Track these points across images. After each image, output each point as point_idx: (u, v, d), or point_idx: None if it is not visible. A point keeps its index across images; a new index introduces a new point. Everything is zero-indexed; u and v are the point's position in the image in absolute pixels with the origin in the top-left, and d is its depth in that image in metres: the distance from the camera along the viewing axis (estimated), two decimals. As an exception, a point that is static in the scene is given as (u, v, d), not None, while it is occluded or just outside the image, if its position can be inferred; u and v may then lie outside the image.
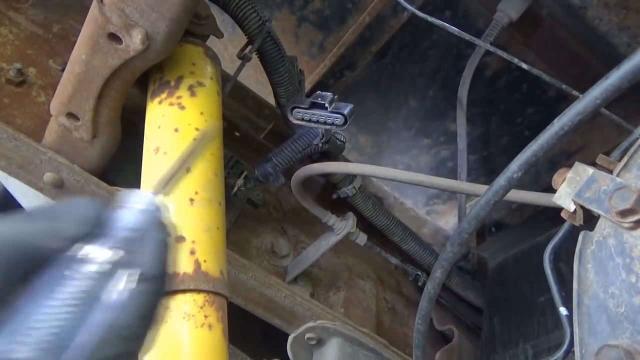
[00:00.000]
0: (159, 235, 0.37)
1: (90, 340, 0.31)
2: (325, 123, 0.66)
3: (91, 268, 0.33)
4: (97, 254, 0.33)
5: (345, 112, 0.66)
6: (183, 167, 0.45)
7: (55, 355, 0.30)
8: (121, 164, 0.84)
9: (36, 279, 0.32)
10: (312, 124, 0.67)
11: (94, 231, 0.34)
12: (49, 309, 0.31)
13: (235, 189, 0.94)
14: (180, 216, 0.63)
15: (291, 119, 0.68)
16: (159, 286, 0.35)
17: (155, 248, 0.36)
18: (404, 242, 1.21)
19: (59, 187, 0.77)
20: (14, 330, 0.30)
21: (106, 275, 0.33)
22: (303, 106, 0.68)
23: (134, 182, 0.70)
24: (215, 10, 0.84)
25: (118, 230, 0.35)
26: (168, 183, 0.42)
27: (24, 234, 0.32)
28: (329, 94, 0.67)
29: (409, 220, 1.35)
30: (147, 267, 0.35)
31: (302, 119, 0.68)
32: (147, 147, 0.70)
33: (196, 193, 0.65)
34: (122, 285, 0.33)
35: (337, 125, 0.66)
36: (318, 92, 0.71)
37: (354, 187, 1.09)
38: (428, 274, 1.25)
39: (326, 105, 0.66)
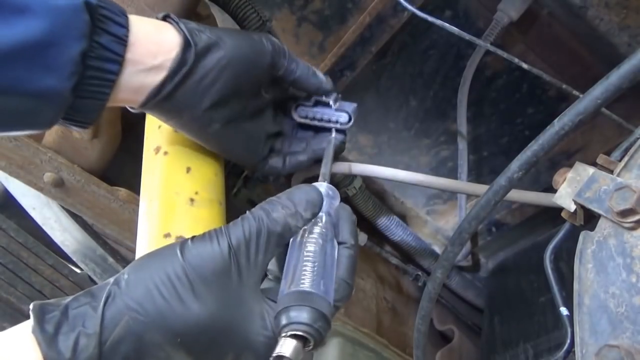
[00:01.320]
0: (348, 214, 0.52)
1: (343, 272, 0.49)
2: (329, 121, 0.66)
3: (313, 237, 0.48)
4: (313, 229, 0.49)
5: (350, 110, 0.66)
6: (332, 159, 0.62)
7: (323, 282, 0.45)
8: (121, 164, 0.84)
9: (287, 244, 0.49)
10: (316, 122, 0.67)
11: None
12: (306, 259, 0.46)
13: (236, 189, 0.94)
14: (181, 216, 0.63)
15: (295, 117, 0.68)
16: (356, 251, 0.50)
17: (350, 224, 0.52)
18: (404, 242, 1.21)
19: (59, 187, 0.77)
20: (292, 275, 0.46)
21: (324, 241, 0.48)
22: (307, 104, 0.68)
23: (134, 182, 0.69)
24: (215, 10, 0.84)
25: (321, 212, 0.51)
26: (328, 174, 0.58)
27: (284, 218, 0.48)
28: (333, 92, 0.66)
29: (409, 220, 1.35)
30: (346, 238, 0.50)
31: (306, 117, 0.67)
32: (147, 147, 0.70)
33: (196, 193, 0.65)
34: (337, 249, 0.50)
35: (341, 123, 0.66)
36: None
37: (354, 187, 1.09)
38: (428, 274, 1.25)
39: (330, 103, 0.66)
